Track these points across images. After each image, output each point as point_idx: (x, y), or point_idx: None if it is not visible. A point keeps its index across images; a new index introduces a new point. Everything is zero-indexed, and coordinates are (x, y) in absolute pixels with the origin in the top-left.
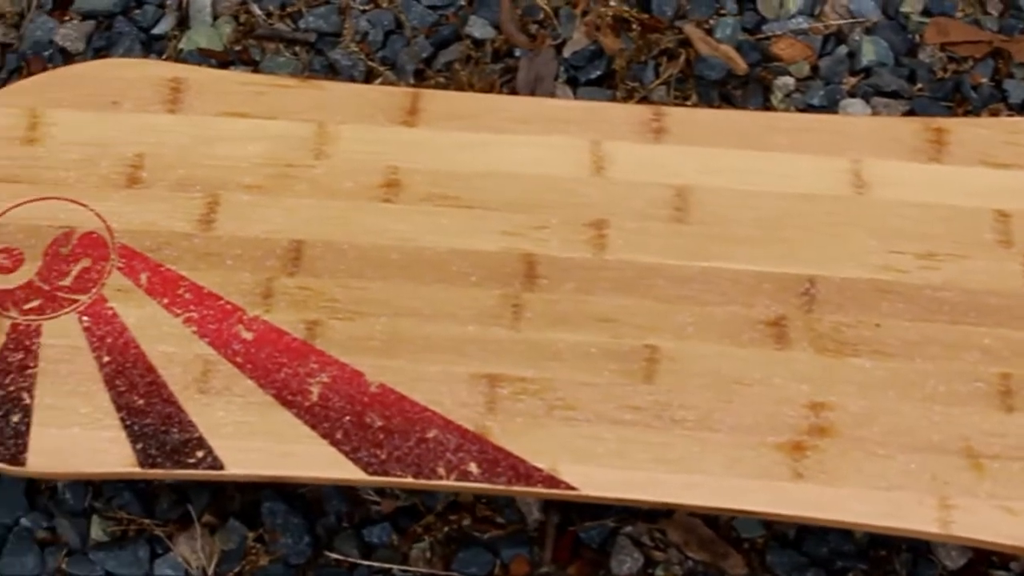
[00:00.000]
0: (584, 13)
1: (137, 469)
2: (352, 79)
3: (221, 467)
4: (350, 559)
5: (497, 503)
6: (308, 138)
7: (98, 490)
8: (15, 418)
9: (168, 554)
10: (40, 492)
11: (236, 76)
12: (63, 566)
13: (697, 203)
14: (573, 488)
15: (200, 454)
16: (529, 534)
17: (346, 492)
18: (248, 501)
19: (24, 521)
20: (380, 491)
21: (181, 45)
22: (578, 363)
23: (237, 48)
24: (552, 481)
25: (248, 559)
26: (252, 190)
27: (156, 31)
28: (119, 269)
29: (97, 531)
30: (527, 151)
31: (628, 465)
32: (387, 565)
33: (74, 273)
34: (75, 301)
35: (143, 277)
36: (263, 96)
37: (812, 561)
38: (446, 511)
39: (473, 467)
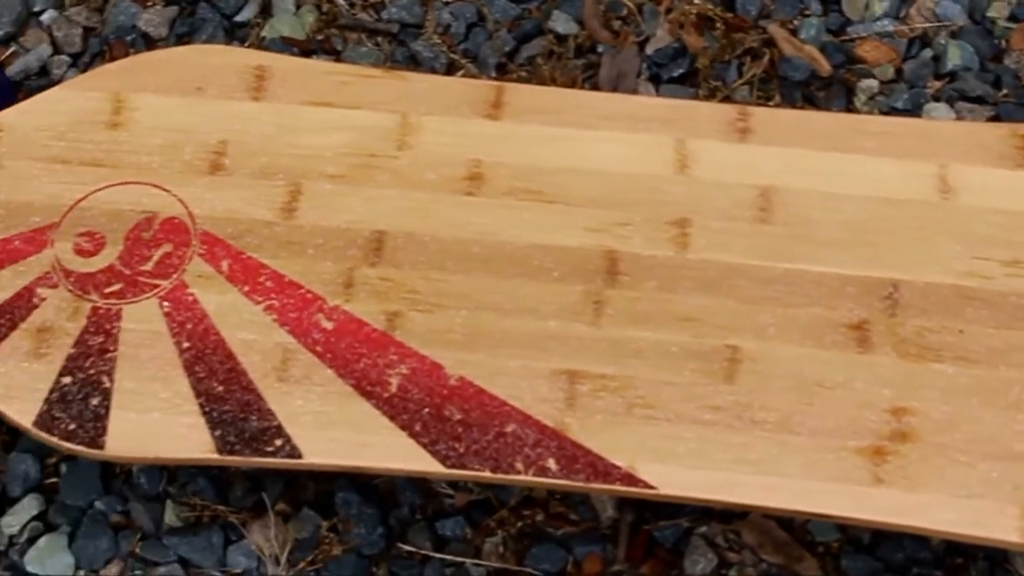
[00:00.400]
0: (668, 10)
1: (215, 456)
2: (433, 71)
3: (299, 456)
4: (423, 551)
5: (571, 500)
6: (391, 129)
7: (172, 475)
8: (94, 401)
9: (241, 541)
10: (115, 476)
11: (320, 65)
12: (137, 550)
13: (781, 204)
14: (652, 487)
15: (279, 442)
16: (602, 532)
17: (420, 484)
18: (322, 491)
19: (98, 504)
20: (454, 484)
21: (264, 33)
22: (659, 361)
23: (319, 37)
24: (630, 479)
25: (321, 548)
26: (335, 179)
27: (239, 18)
28: (200, 255)
29: (171, 516)
30: (611, 147)
31: (707, 465)
32: (459, 559)
33: (155, 258)
34: (156, 286)
35: (224, 264)
36: (347, 86)
37: (887, 567)
38: (520, 506)
39: (551, 463)
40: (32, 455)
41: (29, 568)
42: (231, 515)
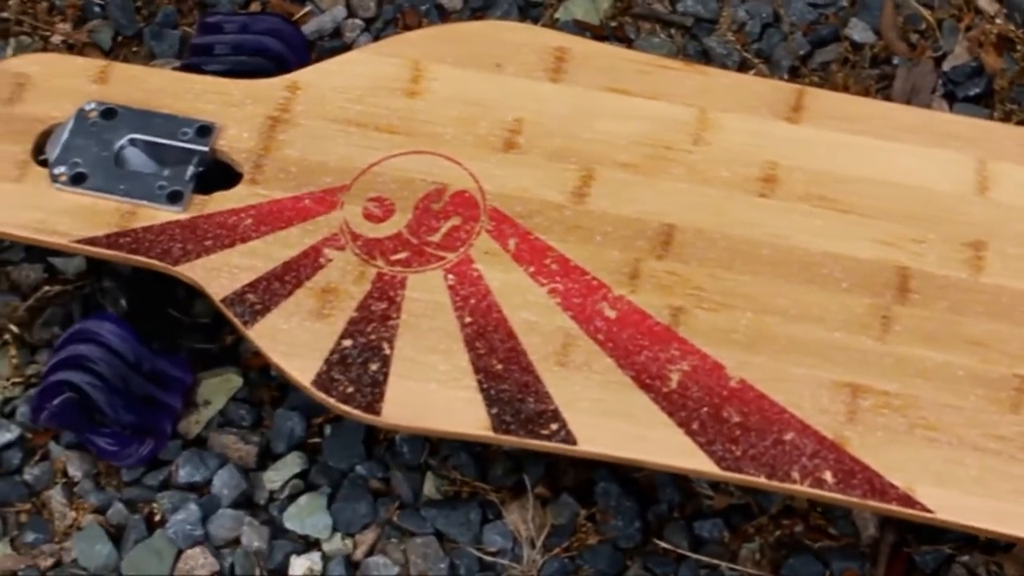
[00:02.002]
0: (968, 28)
1: (490, 433)
2: (725, 68)
3: (574, 442)
4: (679, 550)
5: (832, 513)
6: (688, 122)
7: (435, 447)
8: (374, 367)
9: (498, 521)
10: (378, 442)
11: (621, 52)
12: (394, 518)
13: None
14: (929, 511)
15: (554, 427)
16: (862, 549)
17: (680, 482)
18: (582, 478)
19: (360, 469)
20: (714, 485)
21: (557, 15)
22: (944, 384)
23: (612, 24)
24: (908, 500)
25: (577, 536)
26: (628, 168)
27: None
28: (488, 232)
29: (430, 488)
30: (911, 161)
31: (988, 494)
32: (715, 561)
33: (443, 230)
34: (442, 258)
35: (511, 243)
36: (647, 75)
37: None
38: (780, 514)
39: (828, 475)
40: (299, 413)
41: (287, 525)
42: (491, 493)
